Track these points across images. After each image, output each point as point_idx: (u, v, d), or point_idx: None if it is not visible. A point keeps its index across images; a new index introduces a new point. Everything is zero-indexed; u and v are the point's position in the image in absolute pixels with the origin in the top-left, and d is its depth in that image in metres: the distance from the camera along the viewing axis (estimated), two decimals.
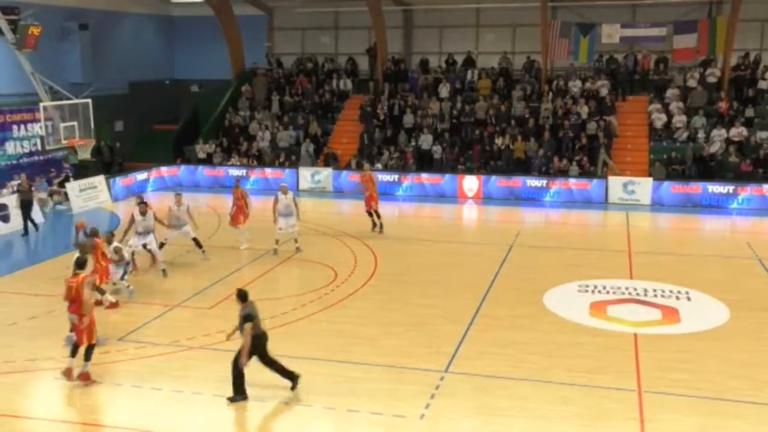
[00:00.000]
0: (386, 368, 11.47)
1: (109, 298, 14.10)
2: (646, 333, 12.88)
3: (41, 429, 9.86)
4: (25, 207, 19.82)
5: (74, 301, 10.83)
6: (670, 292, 15.04)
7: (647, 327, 13.20)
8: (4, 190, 21.37)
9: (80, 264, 11.32)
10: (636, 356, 11.88)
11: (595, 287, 15.37)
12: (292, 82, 31.47)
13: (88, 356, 10.86)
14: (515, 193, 25.16)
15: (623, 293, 15.03)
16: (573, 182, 24.86)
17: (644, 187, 24.29)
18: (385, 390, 10.76)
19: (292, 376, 10.50)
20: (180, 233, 16.98)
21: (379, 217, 19.91)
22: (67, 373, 10.79)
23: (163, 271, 16.19)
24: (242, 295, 10.29)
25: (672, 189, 24.17)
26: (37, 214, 21.63)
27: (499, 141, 26.65)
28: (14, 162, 24.25)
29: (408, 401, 10.39)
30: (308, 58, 32.16)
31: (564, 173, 25.30)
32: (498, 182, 25.34)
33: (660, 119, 26.72)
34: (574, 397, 10.51)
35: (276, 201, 17.94)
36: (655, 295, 14.86)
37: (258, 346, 10.16)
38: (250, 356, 10.11)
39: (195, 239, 17.20)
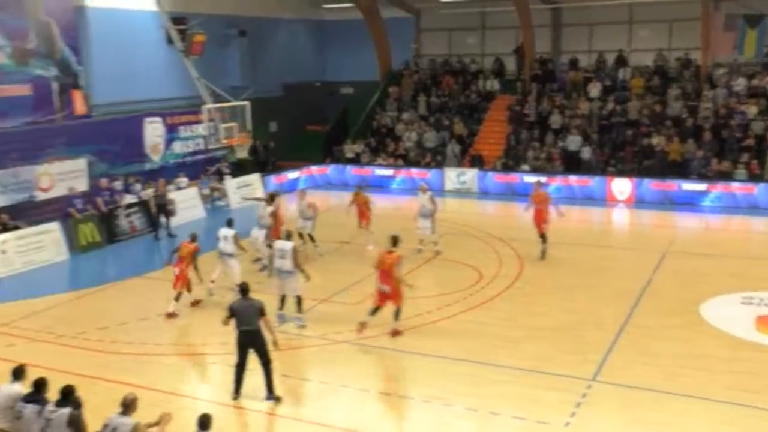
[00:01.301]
0: (530, 373, 11.28)
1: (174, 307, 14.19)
2: None
3: (199, 408, 10.52)
4: (160, 210, 20.80)
5: (387, 274, 12.34)
6: None
7: None
8: (170, 186, 22.90)
9: (395, 241, 12.64)
10: None
11: (762, 300, 14.27)
12: (439, 83, 31.63)
13: (397, 316, 12.57)
14: (670, 197, 23.88)
15: None
16: (736, 186, 23.21)
17: None
18: (530, 395, 10.59)
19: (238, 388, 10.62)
20: (302, 225, 18.16)
21: (544, 241, 17.53)
22: (394, 334, 12.57)
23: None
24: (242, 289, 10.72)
25: None
26: (198, 209, 23.06)
27: (654, 141, 25.38)
28: (180, 160, 25.98)
29: (552, 408, 10.16)
30: (456, 60, 32.20)
31: (726, 176, 23.68)
32: (651, 185, 24.16)
33: None
34: (734, 416, 9.85)
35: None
36: None
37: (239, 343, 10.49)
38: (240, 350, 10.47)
39: (310, 235, 18.20)
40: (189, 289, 14.38)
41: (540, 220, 17.48)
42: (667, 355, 11.80)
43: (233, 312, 10.45)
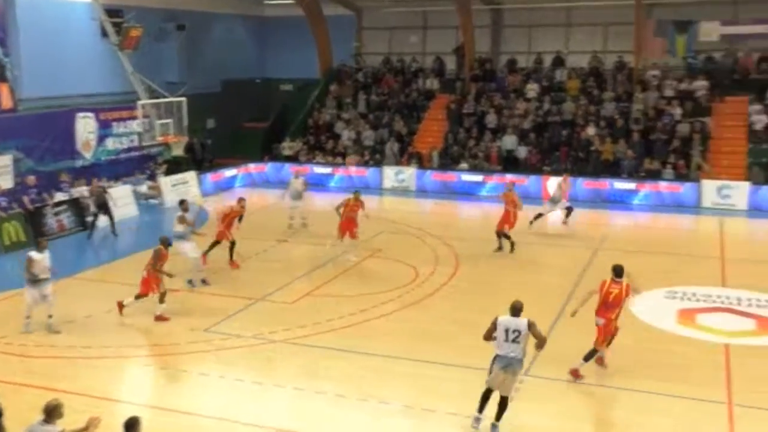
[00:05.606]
0: (464, 369, 11.39)
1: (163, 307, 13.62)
2: (739, 344, 12.36)
3: (130, 412, 10.29)
4: (101, 207, 20.13)
5: (612, 306, 10.87)
6: (767, 301, 14.32)
7: (740, 337, 12.66)
8: (102, 184, 22.26)
9: (619, 273, 11.00)
10: (727, 367, 11.42)
11: (684, 294, 14.83)
12: (379, 81, 31.68)
13: (588, 357, 11.05)
14: (602, 196, 24.50)
15: (714, 301, 14.44)
16: (664, 185, 24.00)
17: (741, 191, 23.22)
18: (463, 390, 10.67)
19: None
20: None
21: (508, 238, 18.05)
22: (574, 374, 11.07)
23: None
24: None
25: None
26: (131, 207, 22.52)
27: (589, 133, 25.76)
28: (113, 157, 25.35)
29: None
30: (397, 59, 32.30)
31: (655, 176, 24.44)
32: (584, 184, 24.74)
33: (761, 121, 25.45)
34: (660, 407, 10.18)
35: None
36: (750, 305, 14.20)
37: None
38: None
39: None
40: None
41: (504, 221, 18.05)
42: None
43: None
